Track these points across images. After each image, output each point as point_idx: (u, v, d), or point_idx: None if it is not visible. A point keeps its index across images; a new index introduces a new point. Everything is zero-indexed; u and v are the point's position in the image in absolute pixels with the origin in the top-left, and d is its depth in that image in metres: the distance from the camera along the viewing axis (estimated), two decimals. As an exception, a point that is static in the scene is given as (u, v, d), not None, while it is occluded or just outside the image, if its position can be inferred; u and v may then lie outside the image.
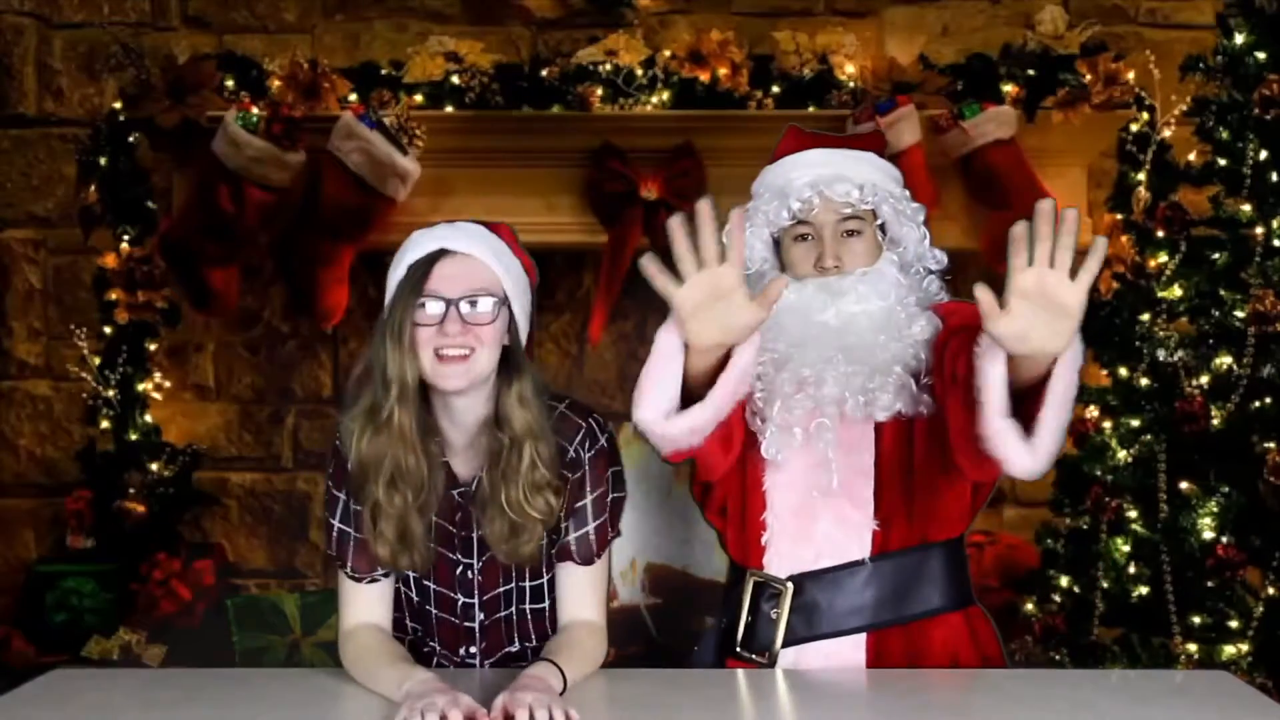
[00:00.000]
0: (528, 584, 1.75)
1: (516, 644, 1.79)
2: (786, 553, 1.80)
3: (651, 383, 1.60)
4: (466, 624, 1.76)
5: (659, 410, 1.61)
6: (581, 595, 1.74)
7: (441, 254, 1.63)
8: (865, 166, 1.88)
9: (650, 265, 1.53)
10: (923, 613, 1.79)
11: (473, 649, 1.78)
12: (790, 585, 1.79)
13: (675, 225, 1.51)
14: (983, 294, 1.43)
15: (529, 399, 1.66)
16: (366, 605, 1.76)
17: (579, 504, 1.71)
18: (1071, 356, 1.47)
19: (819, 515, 1.79)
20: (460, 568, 1.74)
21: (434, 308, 1.61)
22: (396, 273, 1.66)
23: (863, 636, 1.77)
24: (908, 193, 1.91)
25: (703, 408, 1.61)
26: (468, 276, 1.62)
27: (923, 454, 1.76)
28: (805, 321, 1.79)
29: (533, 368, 1.70)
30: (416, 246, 1.66)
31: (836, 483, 1.75)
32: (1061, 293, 1.41)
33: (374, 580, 1.75)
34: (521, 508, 1.63)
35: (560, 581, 1.76)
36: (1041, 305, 1.42)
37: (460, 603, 1.75)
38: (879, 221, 1.86)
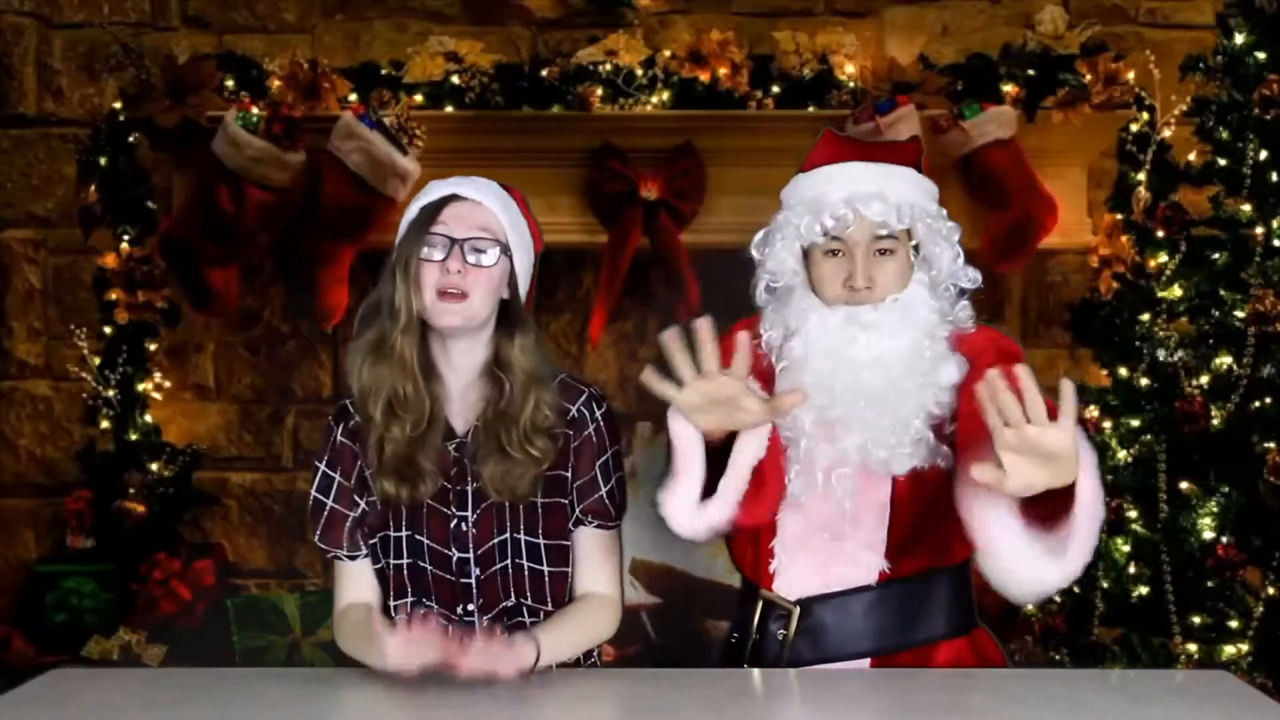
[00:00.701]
0: (523, 537, 1.75)
1: (513, 598, 1.77)
2: (796, 579, 1.80)
3: (680, 479, 1.64)
4: (463, 580, 1.77)
5: (689, 505, 1.66)
6: (596, 567, 1.78)
7: (452, 198, 1.72)
8: (903, 184, 1.81)
9: (651, 376, 1.54)
10: (927, 638, 1.78)
11: (470, 606, 1.78)
12: (798, 608, 1.79)
13: (669, 338, 1.51)
14: (981, 472, 1.43)
15: (530, 349, 1.73)
16: (354, 584, 1.81)
17: (600, 460, 1.77)
18: (1088, 467, 1.47)
19: (831, 557, 1.78)
20: (455, 521, 1.75)
21: (439, 246, 1.69)
22: (409, 214, 1.75)
23: (867, 661, 1.77)
24: (944, 210, 1.85)
25: (717, 505, 1.64)
26: (473, 219, 1.71)
27: (936, 496, 1.74)
28: (832, 357, 1.75)
29: (535, 327, 1.77)
30: (430, 192, 1.75)
31: (850, 522, 1.75)
32: (1048, 441, 1.42)
33: (354, 557, 1.80)
34: (522, 446, 1.69)
35: (576, 552, 1.79)
36: (1034, 457, 1.42)
37: (455, 558, 1.76)
38: (913, 241, 1.80)
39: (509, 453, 1.69)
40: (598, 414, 1.79)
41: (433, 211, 1.71)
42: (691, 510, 1.66)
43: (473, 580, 1.76)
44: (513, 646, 1.60)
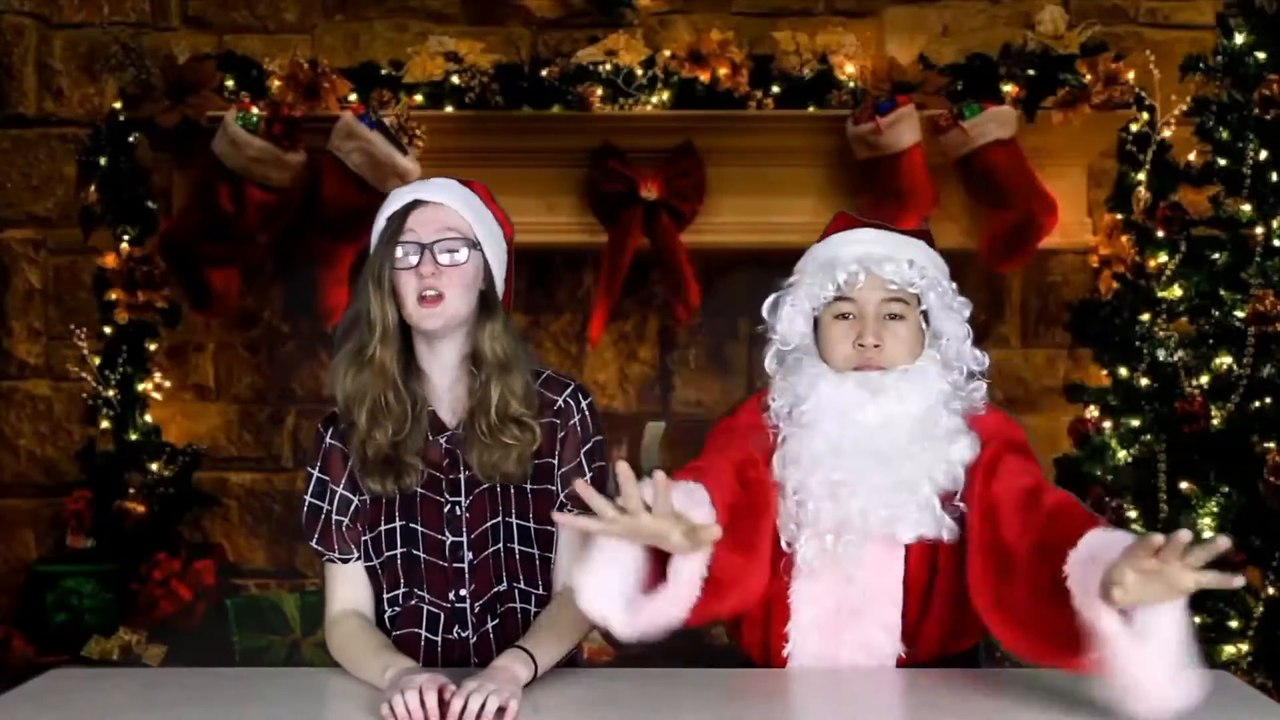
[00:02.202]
0: (515, 520, 1.79)
1: (505, 583, 1.80)
2: (809, 665, 1.77)
3: (593, 570, 1.52)
4: (455, 565, 1.79)
5: (620, 597, 1.52)
6: (579, 555, 1.75)
7: (416, 204, 1.76)
8: (916, 251, 1.84)
9: (565, 517, 1.50)
10: None
11: (462, 591, 1.79)
12: None
13: (582, 486, 1.45)
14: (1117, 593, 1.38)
15: (500, 334, 1.77)
16: (346, 589, 1.82)
17: (585, 448, 1.80)
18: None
19: (844, 638, 1.75)
20: (448, 506, 1.79)
21: (410, 252, 1.73)
22: (377, 225, 1.79)
23: None
24: (954, 285, 1.86)
25: (660, 607, 1.54)
26: (440, 222, 1.74)
27: (946, 575, 1.73)
28: (842, 420, 1.74)
29: (511, 319, 1.82)
30: (394, 201, 1.79)
31: (863, 600, 1.73)
32: (1182, 580, 1.36)
33: (346, 560, 1.81)
34: (495, 434, 1.73)
35: (559, 540, 1.81)
36: (1156, 583, 1.38)
37: (449, 543, 1.79)
38: (922, 309, 1.81)
39: (485, 440, 1.74)
40: (583, 404, 1.83)
41: (399, 220, 1.75)
42: (622, 604, 1.52)
43: (465, 565, 1.79)
44: (513, 677, 1.58)
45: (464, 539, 1.78)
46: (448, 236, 1.73)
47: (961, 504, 1.70)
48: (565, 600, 1.74)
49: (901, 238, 1.86)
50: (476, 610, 1.79)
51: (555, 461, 1.80)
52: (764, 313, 1.88)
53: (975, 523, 1.67)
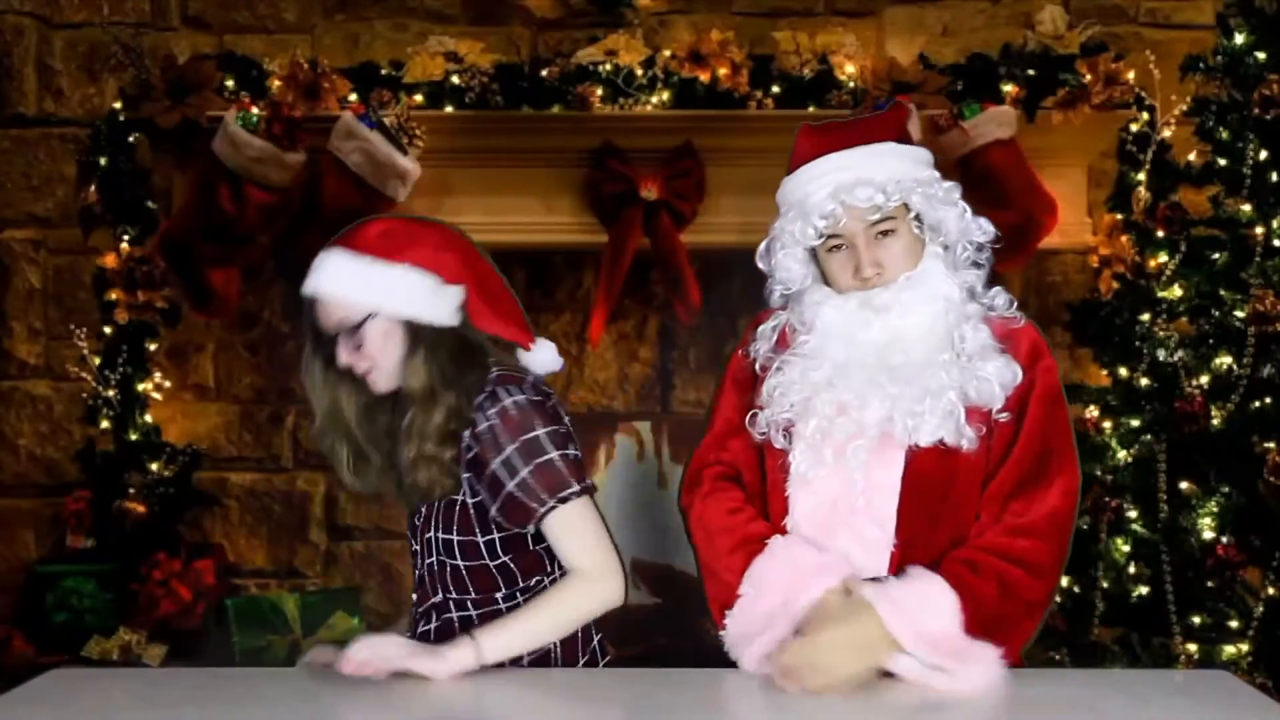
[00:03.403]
0: (438, 534, 1.82)
1: (439, 595, 1.85)
2: None
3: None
4: (416, 572, 1.91)
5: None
6: (563, 549, 1.78)
7: (315, 301, 1.81)
8: (886, 160, 1.76)
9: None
10: None
11: (414, 597, 1.92)
12: None
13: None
14: None
15: (419, 367, 1.77)
16: None
17: (501, 456, 1.74)
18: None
19: (838, 531, 1.74)
20: (415, 515, 1.88)
21: (328, 343, 1.81)
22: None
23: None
24: (936, 174, 1.81)
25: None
26: (331, 316, 1.79)
27: (952, 479, 1.72)
28: (849, 343, 1.74)
29: (427, 340, 1.77)
30: (305, 288, 1.82)
31: (862, 503, 1.72)
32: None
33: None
34: (413, 465, 1.76)
35: (554, 535, 1.80)
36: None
37: (413, 549, 1.90)
38: (913, 214, 1.77)
39: (410, 467, 1.77)
40: (490, 412, 1.75)
41: (310, 314, 1.82)
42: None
43: (417, 574, 1.89)
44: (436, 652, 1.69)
45: (419, 547, 1.87)
46: (339, 327, 1.78)
47: (994, 419, 1.71)
48: (567, 579, 1.77)
49: (870, 149, 1.77)
50: (419, 617, 1.88)
51: (470, 475, 1.77)
52: (757, 260, 1.86)
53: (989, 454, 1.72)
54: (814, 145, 1.81)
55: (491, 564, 1.80)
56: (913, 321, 1.73)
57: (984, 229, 1.80)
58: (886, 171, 1.74)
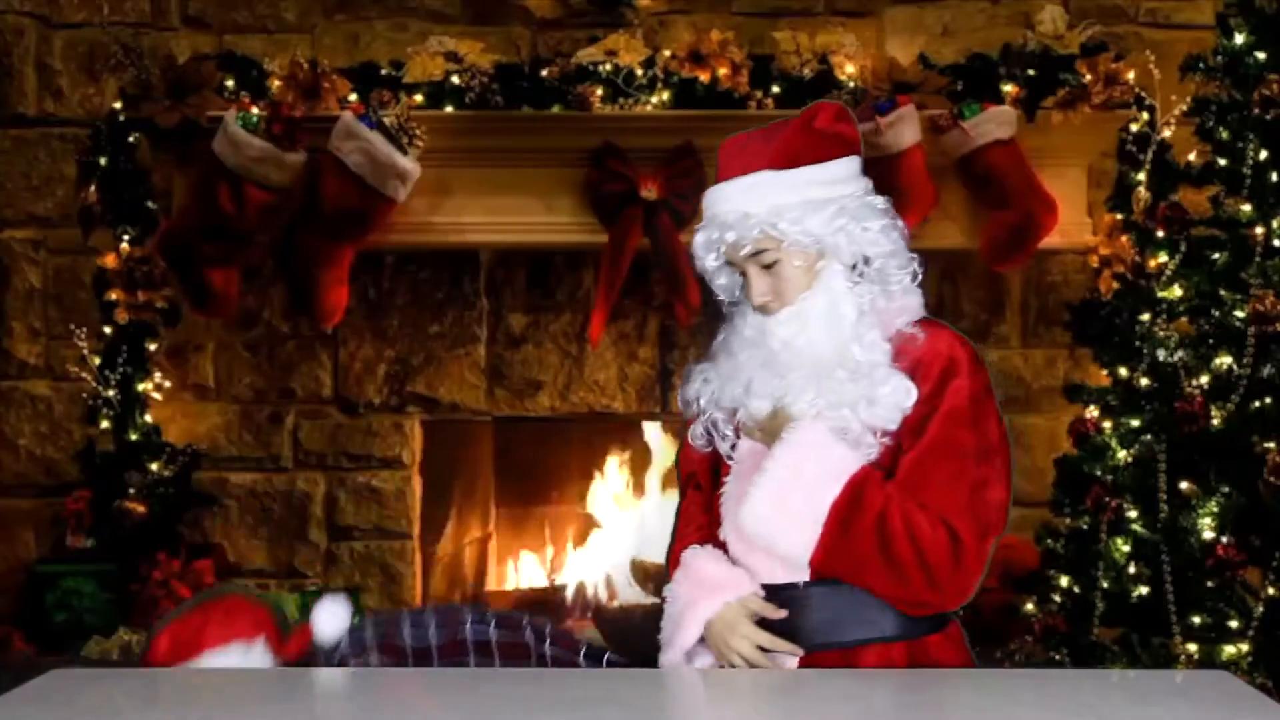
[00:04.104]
0: None
1: None
2: (741, 566, 1.79)
3: None
4: None
5: None
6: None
7: None
8: (757, 192, 1.76)
9: None
10: (862, 640, 1.74)
11: None
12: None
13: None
14: None
15: None
16: None
17: None
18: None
19: (755, 546, 1.76)
20: None
21: None
22: None
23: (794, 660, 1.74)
24: (836, 192, 1.77)
25: None
26: None
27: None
28: (752, 347, 1.79)
29: None
30: None
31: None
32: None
33: None
34: None
35: None
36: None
37: None
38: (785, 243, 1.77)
39: None
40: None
41: None
42: None
43: None
44: None
45: None
46: None
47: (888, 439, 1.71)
48: None
49: (752, 179, 1.77)
50: None
51: None
52: (698, 268, 1.89)
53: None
54: (719, 167, 1.84)
55: None
56: (806, 339, 1.75)
57: (878, 242, 1.76)
58: (758, 205, 1.75)
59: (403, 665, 1.82)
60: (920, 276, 1.81)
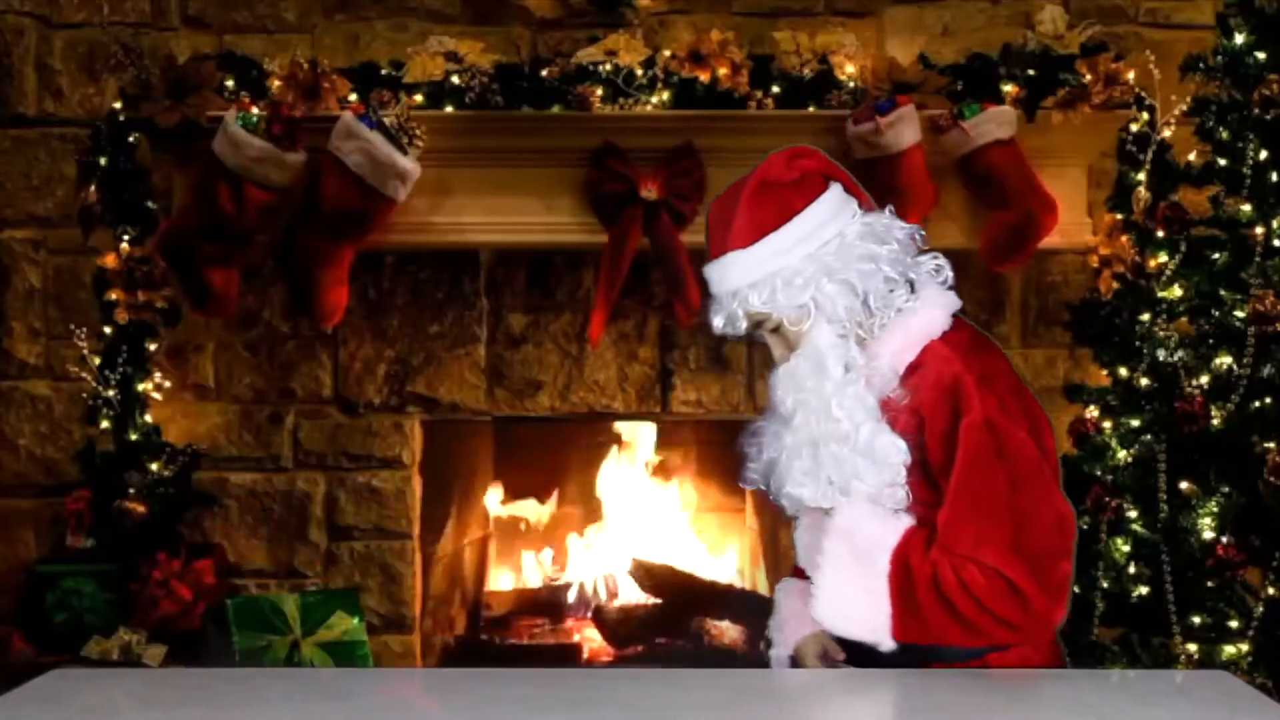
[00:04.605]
0: None
1: None
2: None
3: None
4: None
5: None
6: None
7: None
8: (728, 275, 1.83)
9: None
10: (947, 660, 1.76)
11: None
12: None
13: None
14: None
15: None
16: None
17: None
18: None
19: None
20: None
21: None
22: None
23: None
24: (786, 265, 1.78)
25: None
26: None
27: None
28: (779, 424, 1.85)
29: None
30: None
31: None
32: None
33: None
34: None
35: None
36: None
37: None
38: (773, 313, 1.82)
39: None
40: None
41: None
42: None
43: None
44: None
45: None
46: None
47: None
48: None
49: (719, 265, 1.85)
50: None
51: None
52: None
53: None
54: (707, 239, 1.91)
55: None
56: (794, 401, 1.78)
57: (847, 298, 1.76)
58: (732, 283, 1.82)
59: None
60: (950, 279, 1.81)
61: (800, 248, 1.77)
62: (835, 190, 1.83)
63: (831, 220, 1.79)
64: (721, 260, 1.82)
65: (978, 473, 1.66)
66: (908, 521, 1.71)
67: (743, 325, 1.83)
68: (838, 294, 1.75)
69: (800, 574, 1.93)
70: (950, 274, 1.82)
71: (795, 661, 1.88)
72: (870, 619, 1.69)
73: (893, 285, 1.77)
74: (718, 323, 1.85)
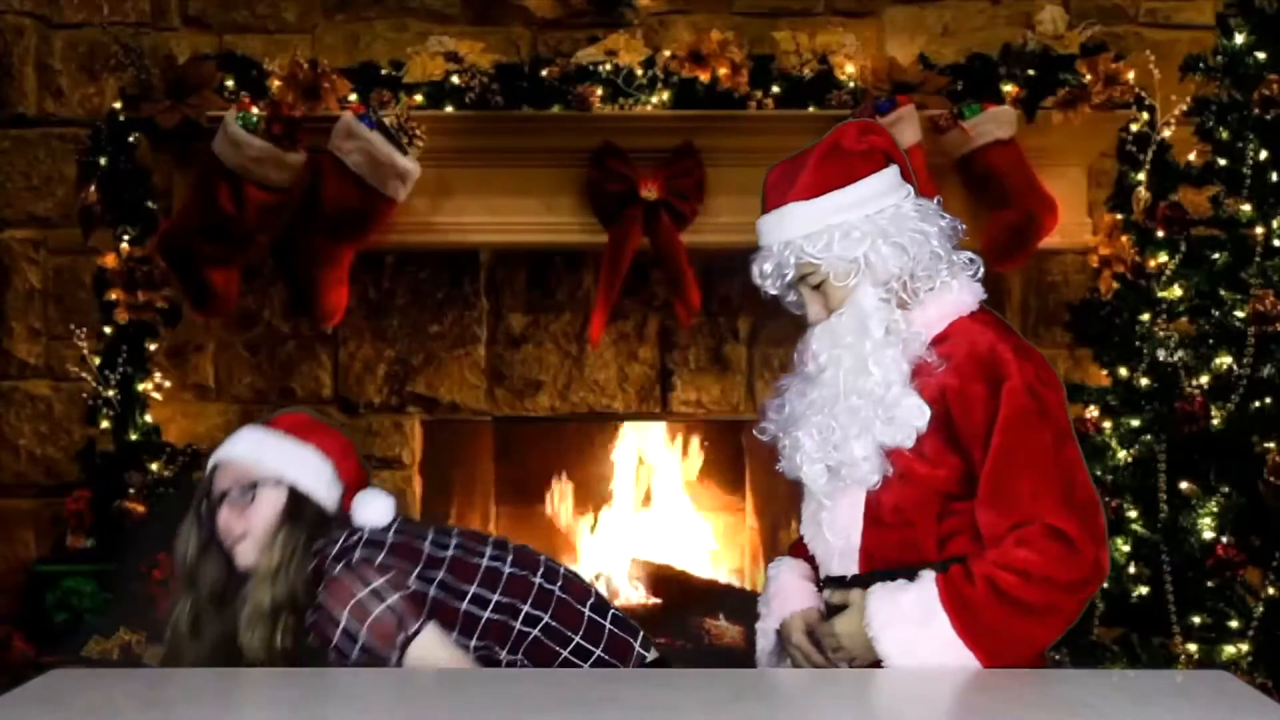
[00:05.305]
0: None
1: None
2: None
3: None
4: None
5: None
6: None
7: (217, 467, 2.07)
8: (786, 223, 1.84)
9: None
10: None
11: None
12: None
13: None
14: None
15: (280, 542, 1.94)
16: None
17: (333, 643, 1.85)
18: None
19: (815, 545, 1.90)
20: None
21: (210, 517, 2.03)
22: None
23: None
24: (862, 212, 1.82)
25: None
26: (230, 475, 2.04)
27: (922, 500, 1.78)
28: (803, 383, 1.87)
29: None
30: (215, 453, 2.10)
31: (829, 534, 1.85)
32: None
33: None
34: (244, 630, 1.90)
35: None
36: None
37: None
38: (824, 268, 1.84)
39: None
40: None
41: (209, 481, 2.07)
42: None
43: None
44: None
45: None
46: (232, 487, 2.01)
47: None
48: None
49: (780, 213, 1.85)
50: None
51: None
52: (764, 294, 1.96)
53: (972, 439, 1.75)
54: (764, 198, 1.91)
55: None
56: (837, 356, 1.80)
57: (914, 250, 1.81)
58: (785, 235, 1.84)
59: (413, 568, 1.88)
60: (980, 272, 1.88)
61: (860, 209, 1.83)
62: (894, 169, 1.89)
63: (890, 193, 1.86)
64: (781, 210, 1.85)
65: (1027, 432, 1.73)
66: (930, 574, 1.74)
67: (790, 275, 1.84)
68: (891, 255, 1.81)
69: (797, 552, 1.98)
70: (982, 270, 1.90)
71: (780, 636, 1.91)
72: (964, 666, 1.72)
73: (937, 261, 1.83)
74: (765, 268, 1.86)
